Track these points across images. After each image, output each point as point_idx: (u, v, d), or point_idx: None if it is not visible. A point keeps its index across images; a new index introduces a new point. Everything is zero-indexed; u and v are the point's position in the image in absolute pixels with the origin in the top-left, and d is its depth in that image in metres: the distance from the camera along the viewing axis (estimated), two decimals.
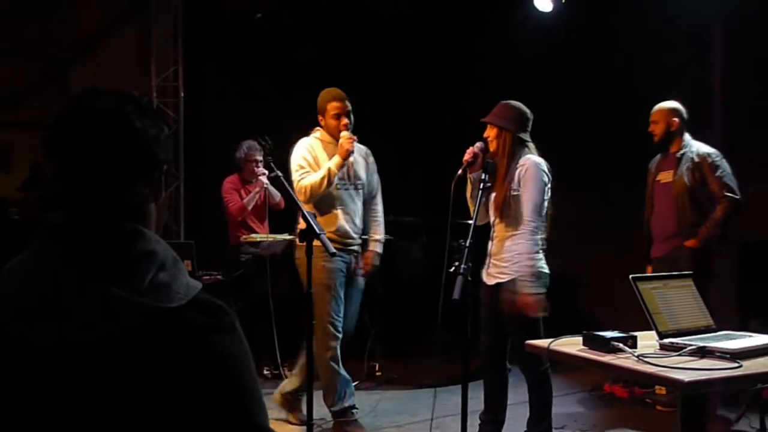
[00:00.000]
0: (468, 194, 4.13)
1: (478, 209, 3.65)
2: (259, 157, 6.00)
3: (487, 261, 4.13)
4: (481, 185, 3.72)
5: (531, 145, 4.06)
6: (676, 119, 5.05)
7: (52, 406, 1.18)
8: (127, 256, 1.24)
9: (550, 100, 6.89)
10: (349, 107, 4.67)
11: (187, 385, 1.19)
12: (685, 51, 5.91)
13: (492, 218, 4.10)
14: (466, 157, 3.99)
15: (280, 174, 3.52)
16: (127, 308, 1.19)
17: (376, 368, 6.09)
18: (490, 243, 4.13)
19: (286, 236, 5.93)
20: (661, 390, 5.54)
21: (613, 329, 2.84)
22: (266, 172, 5.94)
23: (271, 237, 5.98)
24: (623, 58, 6.36)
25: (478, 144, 4.05)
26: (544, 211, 3.97)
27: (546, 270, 4.00)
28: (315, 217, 3.41)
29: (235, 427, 1.23)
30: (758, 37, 5.45)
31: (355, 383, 5.70)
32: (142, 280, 1.21)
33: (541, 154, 4.08)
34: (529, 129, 4.08)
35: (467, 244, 3.13)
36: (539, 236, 3.92)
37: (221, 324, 1.26)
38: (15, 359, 1.19)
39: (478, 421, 4.27)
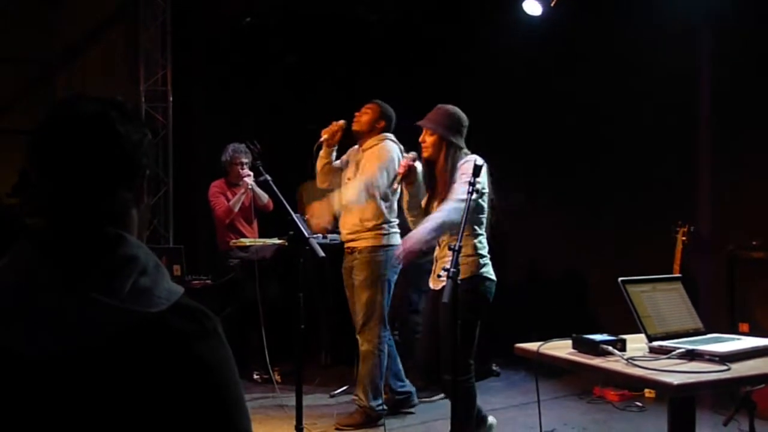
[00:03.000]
0: (405, 206, 4.13)
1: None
2: (245, 160, 6.04)
3: (434, 266, 4.10)
4: (470, 188, 3.56)
5: (467, 152, 4.00)
6: None
7: (33, 417, 1.16)
8: (109, 261, 1.22)
9: (541, 103, 6.91)
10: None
11: (169, 391, 1.18)
12: (674, 53, 5.92)
13: None
14: (400, 170, 4.01)
15: (269, 177, 3.52)
16: (108, 314, 1.17)
17: None
18: (436, 248, 4.07)
19: (276, 240, 5.93)
20: (650, 393, 5.56)
21: (599, 332, 2.84)
22: (251, 173, 5.96)
23: (260, 241, 5.99)
24: (613, 60, 6.37)
25: (412, 154, 4.05)
26: (483, 213, 3.92)
27: (492, 276, 3.95)
28: (304, 220, 3.41)
29: None
30: (746, 39, 5.47)
31: (345, 388, 5.72)
32: (123, 285, 1.19)
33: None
34: (464, 135, 4.04)
35: (456, 248, 3.12)
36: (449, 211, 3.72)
37: (203, 329, 1.24)
38: (3, 371, 1.16)
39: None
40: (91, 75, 6.96)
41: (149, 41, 7.17)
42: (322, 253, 3.26)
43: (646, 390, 5.57)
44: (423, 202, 4.07)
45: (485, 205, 3.92)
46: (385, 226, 4.91)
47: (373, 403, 4.93)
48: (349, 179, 4.97)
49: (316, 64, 7.33)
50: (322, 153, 4.98)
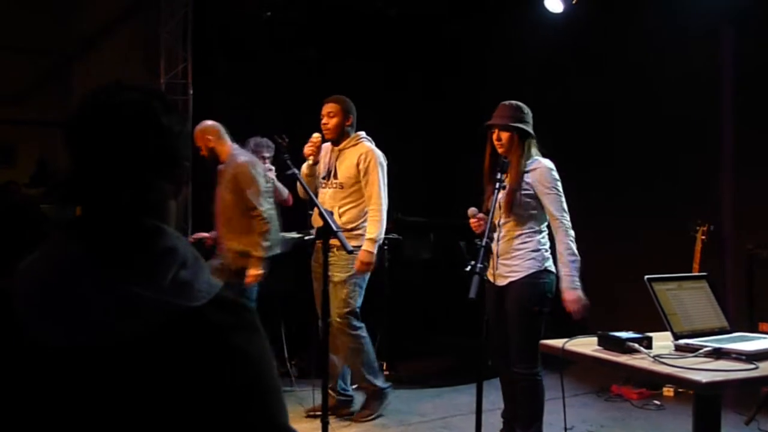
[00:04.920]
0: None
1: (494, 208, 3.65)
2: (267, 154, 6.01)
3: (494, 262, 4.10)
4: (497, 184, 3.68)
5: (534, 141, 4.09)
6: None
7: (73, 410, 1.15)
8: (149, 253, 1.21)
9: (559, 101, 6.88)
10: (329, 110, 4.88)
11: (209, 385, 1.17)
12: (696, 52, 5.90)
13: (499, 218, 4.06)
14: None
15: (296, 171, 3.50)
16: (150, 307, 1.16)
17: (384, 368, 6.07)
18: (495, 243, 4.08)
19: (294, 234, 5.92)
20: (668, 391, 5.54)
21: (619, 330, 2.83)
22: (273, 168, 5.96)
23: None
24: (634, 58, 6.35)
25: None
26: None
27: (553, 269, 4.04)
28: (332, 215, 3.40)
29: (257, 427, 1.21)
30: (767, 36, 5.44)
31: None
32: (164, 278, 1.18)
33: (550, 154, 4.09)
34: (531, 123, 4.10)
35: (483, 243, 3.12)
36: (569, 234, 4.00)
37: (244, 322, 1.23)
38: (33, 362, 1.16)
39: (501, 420, 4.29)
40: (108, 67, 6.95)
41: (170, 34, 7.17)
42: (350, 247, 3.26)
43: (665, 388, 5.55)
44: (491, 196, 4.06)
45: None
46: (365, 225, 4.86)
47: (378, 383, 4.98)
48: (324, 179, 4.92)
49: (337, 59, 7.32)
50: (305, 170, 4.87)
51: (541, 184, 3.94)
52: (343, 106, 4.87)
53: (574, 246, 3.96)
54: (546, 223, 4.08)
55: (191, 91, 7.14)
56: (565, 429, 3.82)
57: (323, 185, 4.93)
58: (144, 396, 1.14)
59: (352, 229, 4.77)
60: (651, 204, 6.31)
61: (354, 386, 5.17)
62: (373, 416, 4.95)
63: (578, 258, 3.96)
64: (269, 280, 5.62)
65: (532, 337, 3.77)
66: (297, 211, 5.74)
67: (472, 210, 3.99)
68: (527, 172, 3.88)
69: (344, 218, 4.79)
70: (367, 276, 4.85)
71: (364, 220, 4.82)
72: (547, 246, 4.09)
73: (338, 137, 4.87)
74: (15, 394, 1.17)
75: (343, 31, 7.30)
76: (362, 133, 4.94)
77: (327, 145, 4.97)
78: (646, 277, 2.93)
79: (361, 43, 7.39)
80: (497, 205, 3.84)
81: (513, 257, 4.00)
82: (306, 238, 5.51)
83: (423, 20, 7.48)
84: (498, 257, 4.07)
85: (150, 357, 1.15)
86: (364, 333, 4.91)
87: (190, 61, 7.17)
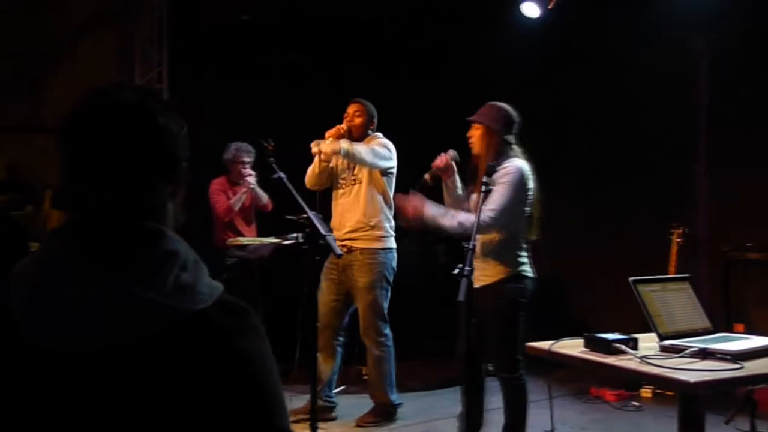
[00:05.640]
0: (446, 201, 4.11)
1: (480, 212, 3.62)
2: (247, 159, 6.00)
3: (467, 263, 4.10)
4: (483, 188, 3.63)
5: (517, 148, 3.99)
6: None
7: (73, 413, 1.13)
8: (150, 256, 1.19)
9: (538, 105, 6.92)
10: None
11: (210, 388, 1.16)
12: (670, 58, 5.97)
13: None
14: (438, 163, 4.02)
15: (282, 175, 3.49)
16: (153, 310, 1.15)
17: (363, 372, 6.05)
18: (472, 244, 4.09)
19: (273, 239, 5.89)
20: (646, 393, 5.59)
21: (601, 331, 2.85)
22: (252, 173, 5.93)
23: (258, 240, 5.93)
24: (610, 62, 6.41)
25: (451, 152, 4.08)
26: (523, 216, 3.92)
27: (530, 274, 3.96)
28: (321, 219, 3.39)
29: (258, 430, 1.20)
30: (743, 41, 5.52)
31: (343, 387, 5.71)
32: (165, 281, 1.17)
33: (534, 157, 4.05)
34: (515, 132, 4.02)
35: (471, 246, 3.12)
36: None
37: (246, 325, 1.23)
38: (31, 366, 1.14)
39: (456, 423, 4.22)
40: (83, 71, 6.85)
41: (145, 37, 7.09)
42: (339, 251, 3.25)
43: (642, 390, 5.60)
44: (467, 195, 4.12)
45: (528, 209, 3.93)
46: (387, 226, 4.93)
47: (393, 398, 5.01)
48: (343, 180, 4.98)
49: (317, 63, 7.31)
50: (323, 156, 4.93)
51: (499, 178, 3.77)
52: (369, 109, 5.03)
53: (469, 228, 3.55)
54: (523, 229, 3.96)
55: (167, 96, 7.08)
56: (552, 430, 3.81)
57: (342, 185, 4.99)
58: (146, 399, 1.13)
59: (375, 226, 4.87)
60: (627, 207, 6.38)
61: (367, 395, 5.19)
62: (374, 425, 4.94)
63: (458, 228, 3.73)
64: (250, 286, 5.61)
65: (511, 341, 3.77)
66: (276, 217, 5.76)
67: (452, 151, 4.07)
68: (486, 184, 3.66)
69: (368, 212, 4.88)
70: (391, 277, 4.92)
71: (386, 221, 4.93)
72: (523, 251, 3.99)
73: (359, 137, 4.96)
74: (12, 399, 1.14)
75: (324, 36, 7.29)
76: (380, 134, 5.05)
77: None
78: (631, 279, 2.95)
79: (341, 47, 7.37)
80: (473, 205, 3.84)
81: (486, 261, 3.90)
82: (285, 242, 5.48)
83: (401, 26, 7.49)
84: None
85: (153, 360, 1.14)
86: (390, 342, 4.95)
87: (166, 64, 7.10)
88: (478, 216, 3.42)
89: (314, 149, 4.79)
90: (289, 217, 4.73)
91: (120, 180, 1.24)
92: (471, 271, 3.06)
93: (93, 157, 1.24)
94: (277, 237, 5.81)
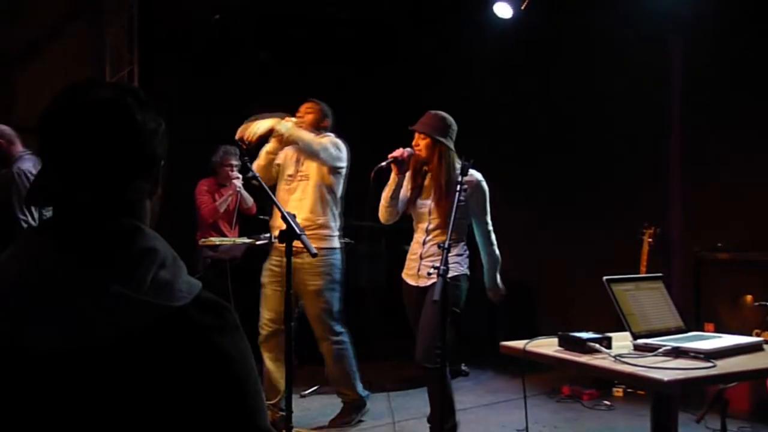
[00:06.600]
0: (387, 194, 4.23)
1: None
2: (235, 162, 6.03)
3: (416, 263, 4.21)
4: (458, 187, 3.66)
5: (454, 153, 4.19)
6: None
7: (55, 414, 1.12)
8: (129, 253, 1.19)
9: (511, 105, 6.97)
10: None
11: (190, 386, 1.15)
12: (644, 57, 6.03)
13: (425, 222, 4.21)
14: (396, 153, 4.14)
15: (257, 175, 3.47)
16: (132, 308, 1.14)
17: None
18: (418, 245, 4.24)
19: (245, 240, 5.86)
20: (618, 392, 5.63)
21: (573, 330, 2.87)
22: (240, 176, 5.95)
23: (229, 241, 5.90)
24: (583, 62, 6.46)
25: (408, 150, 4.18)
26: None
27: (468, 273, 4.20)
28: (295, 218, 3.35)
29: (238, 429, 1.19)
30: (717, 43, 5.59)
31: (315, 388, 5.69)
32: (144, 278, 1.16)
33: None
34: (454, 138, 4.21)
35: (446, 246, 3.13)
36: (494, 241, 4.24)
37: (226, 323, 1.22)
38: (10, 367, 1.12)
39: (428, 425, 4.21)
40: (53, 71, 6.76)
41: (115, 37, 7.02)
42: (314, 250, 3.22)
43: (615, 389, 5.65)
44: (405, 193, 4.26)
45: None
46: (333, 225, 4.83)
47: (359, 391, 4.98)
48: (290, 176, 4.83)
49: (289, 62, 7.29)
50: (269, 148, 4.77)
51: (475, 197, 4.10)
52: (323, 108, 4.92)
53: (497, 251, 4.23)
54: (466, 231, 4.22)
55: None
56: (526, 428, 3.83)
57: (288, 181, 4.83)
58: (127, 397, 1.12)
59: (323, 225, 4.75)
60: (599, 207, 6.42)
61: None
62: (347, 424, 4.92)
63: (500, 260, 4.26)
64: (221, 286, 5.56)
65: (440, 335, 3.80)
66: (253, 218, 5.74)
67: (408, 150, 4.16)
68: (461, 183, 3.73)
69: (316, 210, 4.76)
70: (340, 277, 4.82)
71: (333, 220, 4.83)
72: (467, 253, 4.21)
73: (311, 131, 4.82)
74: None
75: (295, 35, 7.27)
76: (331, 134, 4.90)
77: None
78: (605, 278, 2.97)
79: (312, 46, 7.36)
80: (427, 210, 4.13)
81: (438, 261, 3.98)
82: (258, 243, 5.45)
83: (372, 25, 7.49)
84: (422, 260, 4.17)
85: (133, 358, 1.13)
86: (346, 338, 4.90)
87: (137, 63, 7.04)
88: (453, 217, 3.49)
89: (246, 132, 4.48)
90: (262, 217, 4.72)
91: (97, 177, 1.24)
92: (446, 271, 3.07)
93: (69, 154, 1.23)
94: (249, 237, 5.81)
